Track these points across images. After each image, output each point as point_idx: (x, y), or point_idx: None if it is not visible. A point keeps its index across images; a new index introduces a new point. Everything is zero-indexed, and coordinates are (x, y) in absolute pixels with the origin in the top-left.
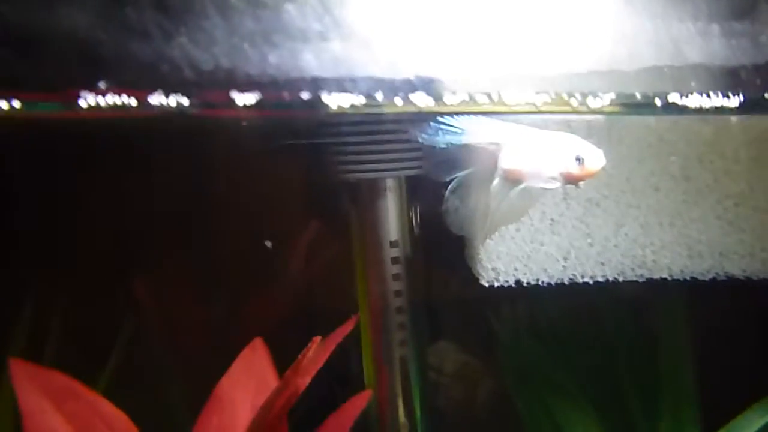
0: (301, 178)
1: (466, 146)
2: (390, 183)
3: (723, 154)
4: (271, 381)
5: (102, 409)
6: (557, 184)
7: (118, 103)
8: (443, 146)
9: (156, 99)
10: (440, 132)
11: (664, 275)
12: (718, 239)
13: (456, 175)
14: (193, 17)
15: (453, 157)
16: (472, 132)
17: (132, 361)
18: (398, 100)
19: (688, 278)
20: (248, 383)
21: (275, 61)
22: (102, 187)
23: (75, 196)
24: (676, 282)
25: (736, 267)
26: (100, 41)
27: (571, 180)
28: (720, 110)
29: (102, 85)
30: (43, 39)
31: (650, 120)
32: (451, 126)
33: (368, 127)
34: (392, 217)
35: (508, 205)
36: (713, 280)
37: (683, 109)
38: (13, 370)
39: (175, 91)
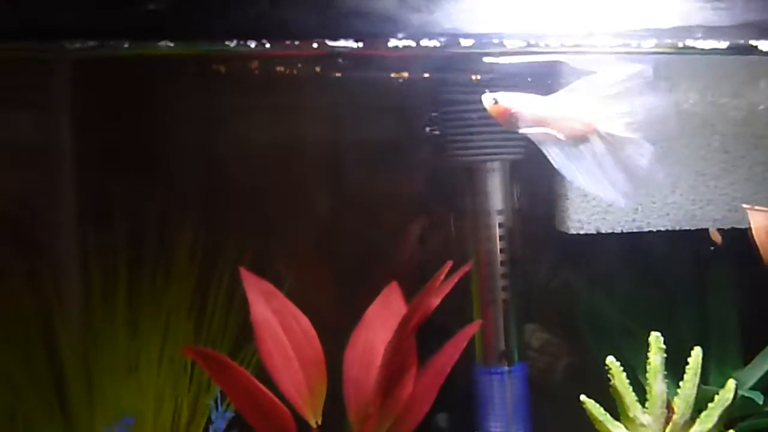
0: (429, 162)
1: None
2: (496, 165)
3: (753, 132)
4: (402, 311)
5: (293, 311)
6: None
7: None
8: None
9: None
10: None
11: (710, 225)
12: (749, 197)
13: None
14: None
15: None
16: None
17: None
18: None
19: (727, 227)
20: (387, 311)
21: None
22: None
23: None
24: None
25: None
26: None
27: None
28: (715, 50)
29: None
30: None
31: (698, 108)
32: None
33: (481, 121)
34: (498, 191)
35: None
36: (748, 228)
37: (693, 49)
38: (243, 275)
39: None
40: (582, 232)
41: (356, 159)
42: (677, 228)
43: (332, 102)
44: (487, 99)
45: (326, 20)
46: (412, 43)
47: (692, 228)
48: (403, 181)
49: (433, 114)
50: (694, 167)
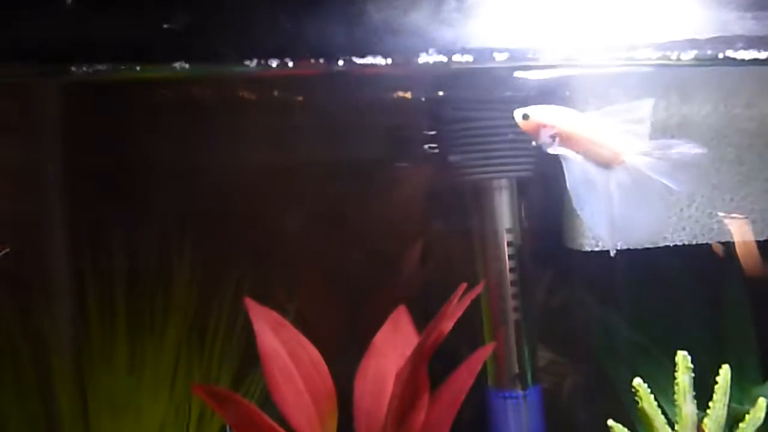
0: (435, 179)
1: None
2: (504, 182)
3: (767, 143)
4: (412, 336)
5: (301, 340)
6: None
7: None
8: None
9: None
10: None
11: (727, 238)
12: (766, 208)
13: None
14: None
15: None
16: None
17: None
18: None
19: None
20: (396, 337)
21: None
22: None
23: None
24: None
25: None
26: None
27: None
28: (756, 61)
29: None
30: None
31: (712, 120)
32: None
33: (488, 138)
34: (506, 209)
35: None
36: (765, 241)
37: (733, 60)
38: (249, 305)
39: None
40: (597, 249)
41: (361, 180)
42: (694, 242)
43: (332, 122)
44: (518, 114)
45: (353, 38)
46: (444, 59)
47: (709, 241)
48: (408, 202)
49: (433, 132)
50: (710, 180)
